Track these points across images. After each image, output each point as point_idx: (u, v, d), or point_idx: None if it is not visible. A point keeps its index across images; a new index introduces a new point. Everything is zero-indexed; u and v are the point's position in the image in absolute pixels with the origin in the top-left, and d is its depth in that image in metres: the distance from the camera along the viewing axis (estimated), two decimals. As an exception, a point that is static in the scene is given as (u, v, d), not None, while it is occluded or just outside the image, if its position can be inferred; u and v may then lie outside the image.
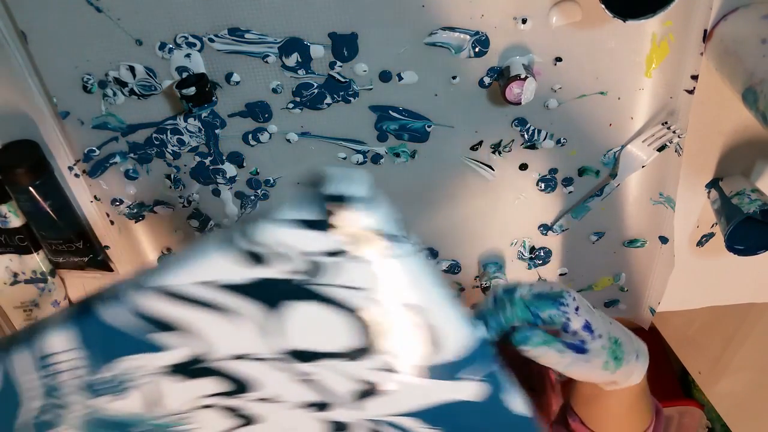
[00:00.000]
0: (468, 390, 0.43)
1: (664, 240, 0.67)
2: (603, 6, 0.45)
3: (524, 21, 0.53)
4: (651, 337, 0.72)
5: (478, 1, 0.52)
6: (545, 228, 0.68)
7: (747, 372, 1.11)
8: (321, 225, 0.35)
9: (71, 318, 0.39)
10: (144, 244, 0.69)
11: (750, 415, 1.13)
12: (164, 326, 0.38)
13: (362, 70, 0.56)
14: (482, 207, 0.66)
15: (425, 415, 0.43)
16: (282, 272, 0.37)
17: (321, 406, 0.43)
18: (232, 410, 0.42)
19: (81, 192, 0.63)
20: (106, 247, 0.68)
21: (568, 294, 0.47)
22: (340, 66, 0.55)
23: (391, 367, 0.41)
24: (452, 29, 0.54)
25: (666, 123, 0.58)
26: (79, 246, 0.65)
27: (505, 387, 0.43)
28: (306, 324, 0.39)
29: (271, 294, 0.38)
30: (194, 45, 0.54)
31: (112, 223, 0.66)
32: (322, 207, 0.34)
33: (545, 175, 0.63)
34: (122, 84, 0.57)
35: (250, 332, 0.39)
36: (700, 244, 0.69)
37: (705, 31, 0.53)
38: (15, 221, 0.63)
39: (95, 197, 0.64)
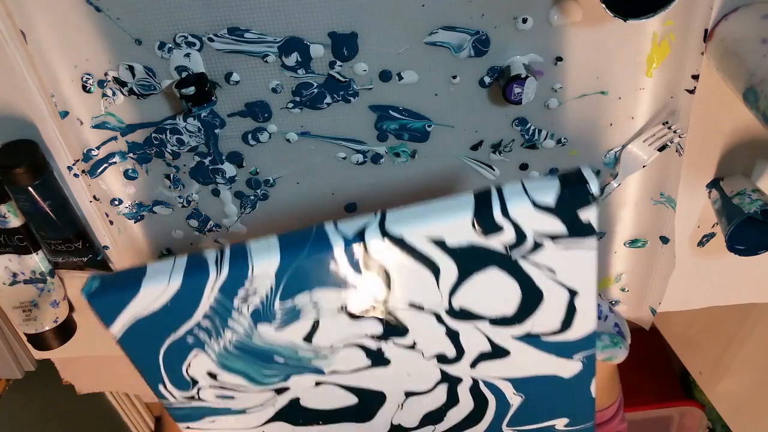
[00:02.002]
0: (569, 368, 0.49)
1: (664, 240, 0.66)
2: (603, 5, 0.45)
3: (525, 20, 0.53)
4: (652, 337, 0.72)
5: (478, 0, 0.52)
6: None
7: (748, 372, 1.11)
8: (566, 214, 0.39)
9: (288, 247, 0.40)
10: (143, 244, 0.69)
11: (751, 415, 1.12)
12: (370, 268, 0.41)
13: (362, 69, 0.56)
14: (482, 207, 0.66)
15: (518, 382, 0.49)
16: (500, 243, 0.40)
17: (446, 360, 0.47)
18: (373, 351, 0.46)
19: (80, 192, 0.63)
20: (106, 247, 0.68)
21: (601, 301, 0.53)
22: (340, 65, 0.55)
23: (527, 336, 0.46)
24: (452, 29, 0.53)
25: (667, 123, 0.58)
26: (78, 246, 0.64)
27: (591, 371, 0.49)
28: (484, 288, 0.43)
29: (479, 260, 0.41)
30: (194, 44, 0.54)
31: (111, 223, 0.66)
32: (576, 199, 0.39)
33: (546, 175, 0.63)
34: (122, 84, 0.57)
35: (435, 287, 0.42)
36: (700, 244, 0.69)
37: (706, 30, 0.53)
38: (14, 221, 0.63)
39: (94, 197, 0.64)
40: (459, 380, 0.49)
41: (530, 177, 0.41)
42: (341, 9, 0.52)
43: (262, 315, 0.42)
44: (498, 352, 0.47)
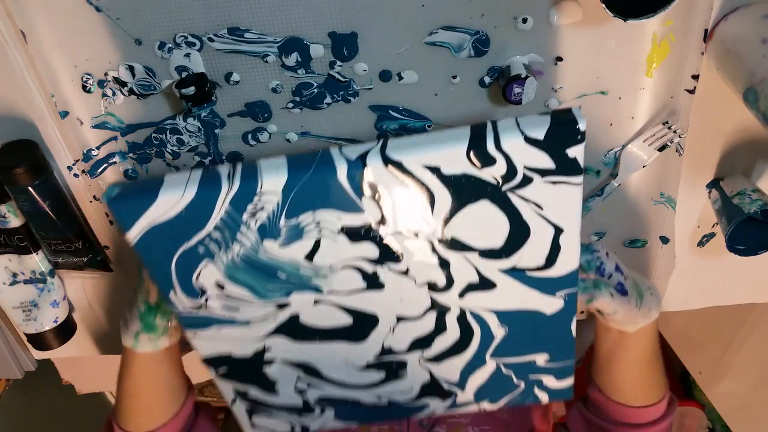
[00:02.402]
0: (552, 305, 0.51)
1: (664, 240, 0.66)
2: (604, 5, 0.45)
3: (525, 20, 0.53)
4: (652, 337, 0.72)
5: (478, 0, 0.52)
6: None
7: (748, 372, 1.11)
8: (555, 150, 0.42)
9: (295, 166, 0.43)
10: (143, 244, 0.68)
11: (751, 415, 1.12)
12: (370, 192, 0.44)
13: (362, 69, 0.56)
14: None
15: (503, 315, 0.52)
16: (492, 176, 0.43)
17: (436, 289, 0.50)
18: (368, 275, 0.48)
19: (80, 192, 0.63)
20: (106, 247, 0.68)
21: (597, 242, 0.55)
22: (340, 65, 0.55)
23: (513, 270, 0.48)
24: (452, 29, 0.53)
25: (667, 123, 0.58)
26: (78, 246, 0.64)
27: (573, 310, 0.52)
28: (475, 220, 0.45)
29: (472, 191, 0.44)
30: (193, 44, 0.54)
31: (111, 223, 0.66)
32: (565, 136, 0.41)
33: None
34: (121, 84, 0.57)
35: (430, 215, 0.45)
36: (700, 244, 0.69)
37: (706, 30, 0.53)
38: (14, 221, 0.63)
39: (94, 197, 0.64)
40: (447, 309, 0.51)
41: (524, 115, 0.43)
42: (341, 9, 0.52)
43: (268, 231, 0.45)
44: (485, 283, 0.49)
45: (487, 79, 0.56)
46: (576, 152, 0.42)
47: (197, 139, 0.60)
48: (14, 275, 0.66)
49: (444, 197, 0.44)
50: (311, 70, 0.56)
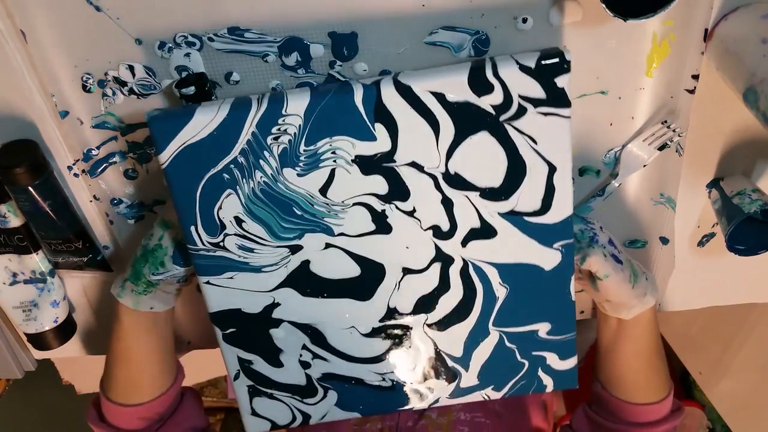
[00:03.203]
0: (550, 259, 0.54)
1: (664, 240, 0.66)
2: (603, 5, 0.45)
3: (525, 20, 0.53)
4: (651, 337, 0.72)
5: (478, 0, 0.52)
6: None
7: (748, 372, 1.11)
8: (545, 79, 0.47)
9: (317, 91, 0.48)
10: (143, 244, 0.68)
11: (751, 415, 1.12)
12: (383, 118, 0.48)
13: (362, 69, 0.56)
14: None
15: (503, 269, 0.55)
16: (490, 104, 0.48)
17: (441, 234, 0.53)
18: (378, 214, 0.52)
19: (80, 192, 0.63)
20: (106, 247, 0.68)
21: (590, 217, 0.59)
22: (340, 65, 0.55)
23: (512, 213, 0.52)
24: (452, 28, 0.53)
25: (666, 122, 0.58)
26: (78, 246, 0.64)
27: (570, 268, 0.54)
28: (476, 155, 0.49)
29: (472, 120, 0.48)
30: (193, 44, 0.54)
31: (111, 222, 0.66)
32: (553, 66, 0.47)
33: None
34: (122, 83, 0.57)
35: (435, 146, 0.49)
36: (700, 244, 0.69)
37: (706, 30, 0.53)
38: (14, 221, 0.63)
39: (94, 197, 0.64)
40: (451, 260, 0.54)
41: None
42: (341, 9, 0.52)
43: (288, 157, 0.49)
44: (486, 230, 0.53)
45: (487, 79, 0.56)
46: (563, 82, 0.47)
47: (197, 139, 0.60)
48: (14, 275, 0.66)
49: (447, 126, 0.48)
50: (311, 70, 0.56)
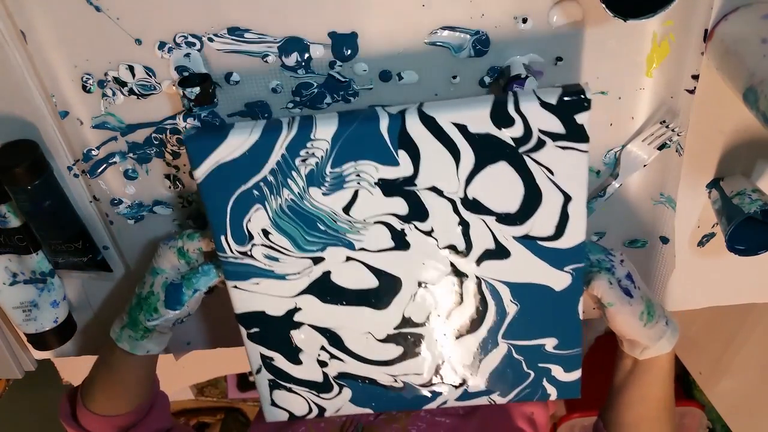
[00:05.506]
0: (560, 281, 0.55)
1: (664, 240, 0.66)
2: (603, 5, 0.45)
3: (525, 20, 0.53)
4: (651, 337, 0.72)
5: (478, 0, 0.52)
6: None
7: (748, 372, 1.11)
8: (565, 115, 0.48)
9: (345, 117, 0.49)
10: (143, 244, 0.68)
11: (751, 415, 1.12)
12: (406, 146, 0.50)
13: (362, 69, 0.56)
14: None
15: (515, 287, 0.56)
16: (510, 137, 0.49)
17: (456, 252, 0.55)
18: (397, 232, 0.54)
19: (80, 192, 0.63)
20: (106, 247, 0.68)
21: (618, 251, 0.58)
22: (340, 65, 0.55)
23: (526, 237, 0.53)
24: (452, 28, 0.53)
25: (665, 122, 0.58)
26: (78, 246, 0.64)
27: (579, 289, 0.55)
28: (494, 182, 0.51)
29: (492, 151, 0.50)
30: (193, 44, 0.54)
31: (111, 223, 0.66)
32: (574, 103, 0.47)
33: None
34: (121, 83, 0.57)
35: (455, 173, 0.51)
36: (700, 244, 0.69)
37: (706, 30, 0.53)
38: (14, 221, 0.63)
39: (94, 197, 0.64)
40: (465, 276, 0.56)
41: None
42: (341, 9, 0.52)
43: (315, 178, 0.51)
44: (500, 251, 0.54)
45: (487, 79, 0.56)
46: (583, 119, 0.48)
47: (197, 139, 0.60)
48: (14, 275, 0.66)
49: (468, 155, 0.50)
50: (311, 70, 0.56)
